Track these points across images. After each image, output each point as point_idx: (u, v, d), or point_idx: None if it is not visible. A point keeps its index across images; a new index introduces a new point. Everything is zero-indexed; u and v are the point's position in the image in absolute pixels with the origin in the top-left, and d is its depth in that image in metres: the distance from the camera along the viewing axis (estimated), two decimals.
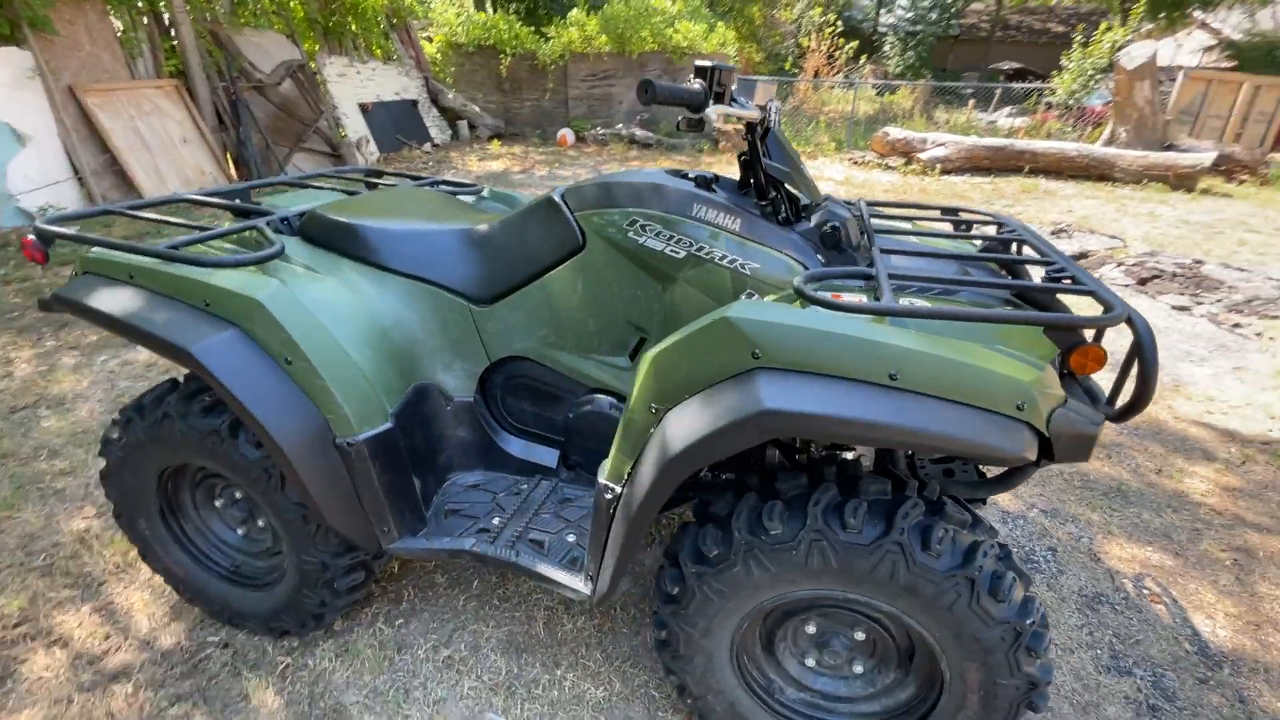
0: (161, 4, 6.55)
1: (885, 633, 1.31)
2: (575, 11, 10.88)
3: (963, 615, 1.13)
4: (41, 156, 5.58)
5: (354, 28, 8.95)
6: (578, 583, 1.46)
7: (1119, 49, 9.09)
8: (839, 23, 18.70)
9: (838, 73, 16.44)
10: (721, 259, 1.45)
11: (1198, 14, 22.19)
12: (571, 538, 1.61)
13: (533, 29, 11.00)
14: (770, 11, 20.43)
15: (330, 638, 1.78)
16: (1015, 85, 11.31)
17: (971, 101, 11.80)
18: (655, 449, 1.15)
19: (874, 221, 1.78)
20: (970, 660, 1.17)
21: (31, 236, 1.52)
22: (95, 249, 1.50)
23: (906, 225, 1.86)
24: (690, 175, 1.63)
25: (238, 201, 1.91)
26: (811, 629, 1.35)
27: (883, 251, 1.43)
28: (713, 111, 1.37)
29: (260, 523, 1.70)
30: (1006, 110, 11.96)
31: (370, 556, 1.67)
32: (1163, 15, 21.87)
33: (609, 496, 1.29)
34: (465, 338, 1.73)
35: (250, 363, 1.35)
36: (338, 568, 1.58)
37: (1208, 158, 8.20)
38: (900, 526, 1.12)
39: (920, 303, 1.23)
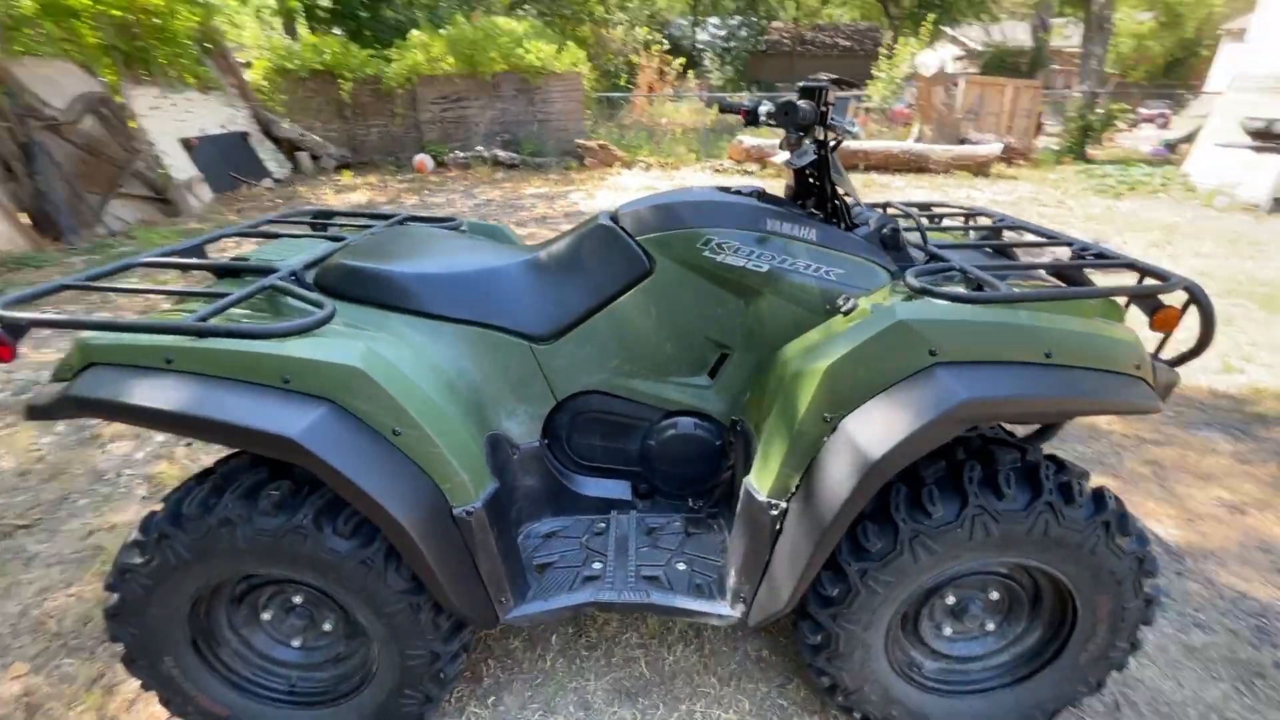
0: None
1: (1016, 587, 1.45)
2: (417, 33, 10.43)
3: (1102, 555, 1.29)
4: None
5: (161, 55, 7.83)
6: (722, 608, 1.44)
7: (916, 60, 10.60)
8: (665, 40, 19.75)
9: (669, 87, 17.38)
10: (806, 269, 1.51)
11: (947, 30, 26.52)
12: (682, 566, 1.58)
13: (372, 52, 10.35)
14: (600, 30, 21.05)
15: None
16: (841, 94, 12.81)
17: None
18: (842, 456, 1.18)
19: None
20: (1103, 593, 1.34)
21: None
22: (93, 333, 1.21)
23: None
24: (745, 191, 1.67)
25: (196, 259, 1.64)
26: (951, 599, 1.45)
27: (939, 246, 1.59)
28: (856, 130, 1.43)
29: (326, 626, 1.46)
30: None
31: (473, 635, 1.50)
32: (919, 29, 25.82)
33: (774, 513, 1.29)
34: (528, 379, 1.63)
35: (357, 440, 1.18)
36: (447, 655, 1.41)
37: (996, 148, 9.83)
38: (1047, 487, 1.26)
39: (1014, 288, 1.38)
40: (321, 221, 2.13)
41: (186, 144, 7.83)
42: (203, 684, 1.44)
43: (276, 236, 1.89)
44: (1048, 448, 1.58)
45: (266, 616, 1.47)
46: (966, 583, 1.44)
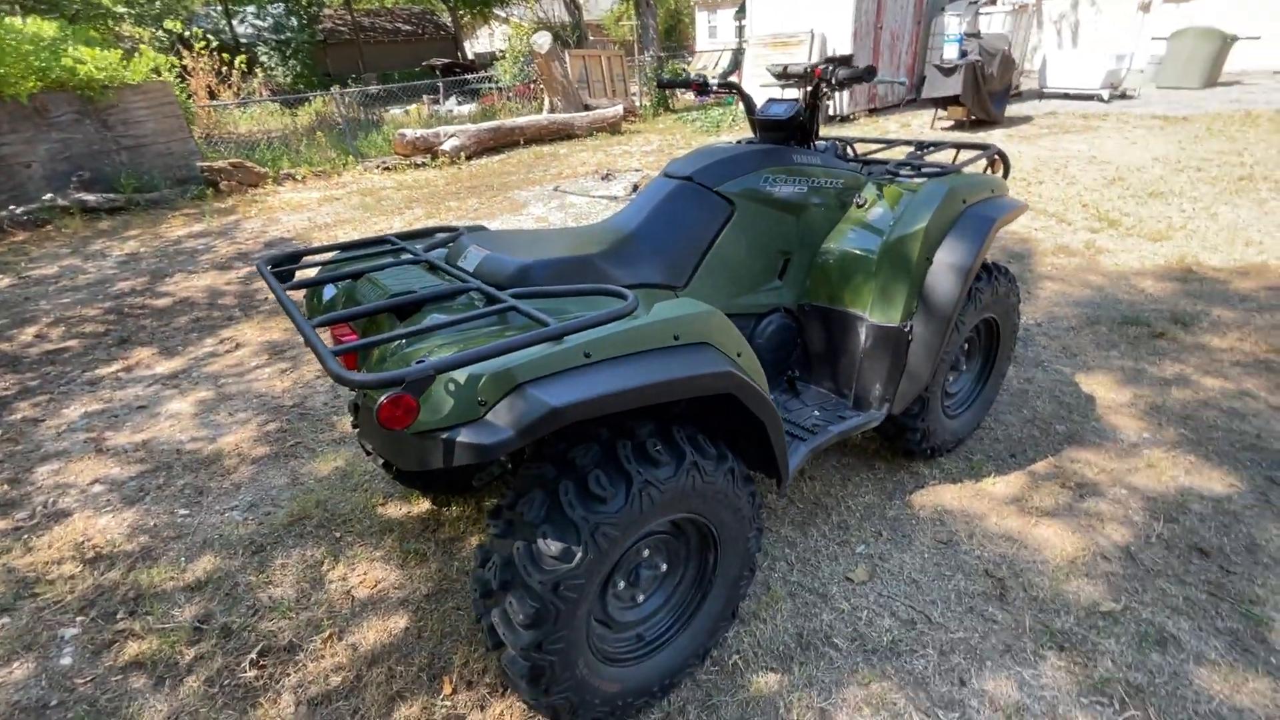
0: None
1: (972, 335, 2.48)
2: None
3: (1012, 298, 2.38)
4: None
5: None
6: (873, 414, 2.13)
7: (531, 40, 11.63)
8: (207, 36, 16.73)
9: (236, 90, 15.10)
10: (827, 184, 2.21)
11: (498, 11, 28.62)
12: (817, 413, 2.21)
13: None
14: (115, 28, 16.55)
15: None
16: (470, 76, 13.08)
17: (427, 97, 13.02)
18: (947, 276, 1.96)
19: None
20: (1009, 322, 2.46)
21: (400, 392, 1.08)
22: (505, 358, 1.19)
23: None
24: (748, 141, 2.26)
25: (383, 301, 1.53)
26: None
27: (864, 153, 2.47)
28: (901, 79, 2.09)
29: (662, 567, 1.65)
30: (454, 99, 13.67)
31: None
32: (475, 11, 27.52)
33: (906, 329, 2.01)
34: None
35: (733, 365, 1.46)
36: (763, 524, 1.77)
37: (619, 110, 11.67)
38: (993, 270, 2.26)
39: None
40: (289, 268, 1.95)
41: None
42: (596, 670, 1.51)
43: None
44: None
45: (620, 588, 1.58)
46: None
